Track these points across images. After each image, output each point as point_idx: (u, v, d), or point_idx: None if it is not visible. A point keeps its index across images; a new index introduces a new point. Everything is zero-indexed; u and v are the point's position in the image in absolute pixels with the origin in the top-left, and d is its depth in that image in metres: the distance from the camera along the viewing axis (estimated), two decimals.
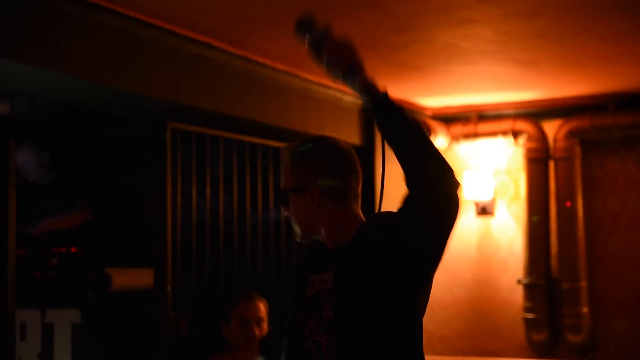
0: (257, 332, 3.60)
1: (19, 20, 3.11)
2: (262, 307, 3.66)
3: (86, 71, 3.45)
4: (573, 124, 5.67)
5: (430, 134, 5.68)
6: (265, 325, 3.65)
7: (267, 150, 4.67)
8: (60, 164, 4.82)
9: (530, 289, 5.74)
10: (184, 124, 4.08)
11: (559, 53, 4.48)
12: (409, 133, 1.93)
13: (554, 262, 5.75)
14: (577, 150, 5.70)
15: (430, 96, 5.66)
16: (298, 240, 2.12)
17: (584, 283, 5.66)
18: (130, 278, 4.52)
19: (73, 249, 4.76)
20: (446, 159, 1.91)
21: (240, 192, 4.44)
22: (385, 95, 1.97)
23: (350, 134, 5.25)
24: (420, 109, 5.96)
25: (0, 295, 3.94)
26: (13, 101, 4.44)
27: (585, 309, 5.66)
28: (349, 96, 5.30)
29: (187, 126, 4.11)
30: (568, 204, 5.63)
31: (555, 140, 5.73)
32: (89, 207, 4.82)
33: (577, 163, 5.70)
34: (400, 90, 5.40)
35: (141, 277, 4.57)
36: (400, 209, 1.92)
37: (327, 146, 2.07)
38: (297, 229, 2.08)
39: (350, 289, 1.95)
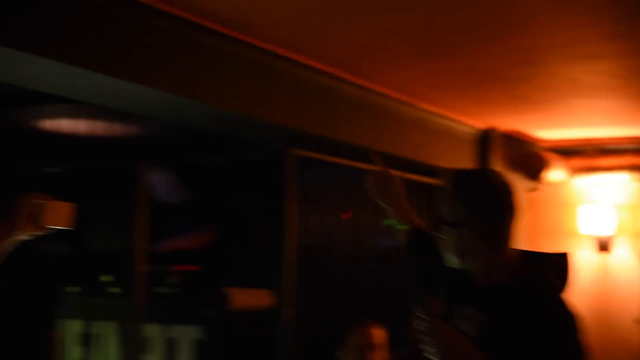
0: (373, 358, 3.64)
1: (151, 47, 3.29)
2: (380, 334, 3.69)
3: (214, 97, 3.61)
4: None
5: (545, 167, 5.61)
6: (384, 352, 3.68)
7: None
8: (188, 186, 5.05)
9: None
10: (305, 150, 4.20)
11: None
12: None
13: None
14: None
15: (548, 129, 5.60)
16: (449, 265, 2.10)
17: None
18: (248, 297, 4.69)
19: (193, 267, 4.98)
20: None
21: (357, 218, 4.51)
22: None
23: (464, 163, 5.25)
24: (537, 141, 5.89)
25: (128, 310, 4.17)
26: (143, 124, 4.68)
27: None
28: (463, 126, 5.32)
29: (308, 153, 4.22)
30: None
31: None
32: (214, 230, 5.03)
33: None
34: (518, 122, 5.37)
35: (258, 298, 4.72)
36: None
37: (488, 185, 2.04)
38: (450, 256, 2.07)
39: (497, 346, 1.92)
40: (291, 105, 3.97)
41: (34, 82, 3.18)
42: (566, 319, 1.98)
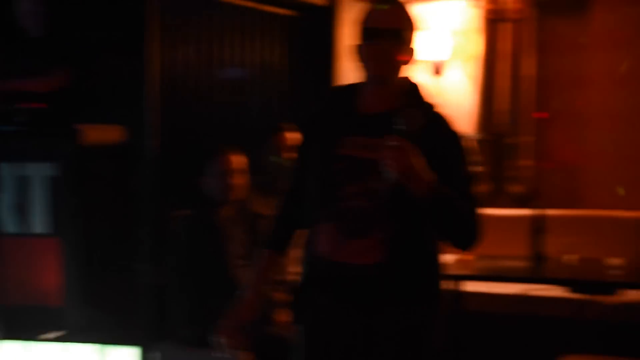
0: (235, 182, 3.77)
1: None
2: (239, 160, 3.83)
3: None
4: None
5: None
6: (244, 176, 3.82)
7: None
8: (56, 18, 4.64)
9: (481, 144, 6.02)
10: None
11: None
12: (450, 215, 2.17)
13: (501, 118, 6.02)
14: (532, 11, 5.85)
15: None
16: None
17: (530, 139, 5.95)
18: (99, 133, 4.59)
19: (41, 105, 4.73)
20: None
21: (215, 50, 4.43)
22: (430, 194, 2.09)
23: None
24: None
25: None
26: None
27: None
28: None
29: None
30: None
31: (511, 2, 5.86)
32: (66, 73, 4.70)
33: (533, 25, 5.86)
34: None
35: (110, 133, 4.65)
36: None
37: None
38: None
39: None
40: None
41: None
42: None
